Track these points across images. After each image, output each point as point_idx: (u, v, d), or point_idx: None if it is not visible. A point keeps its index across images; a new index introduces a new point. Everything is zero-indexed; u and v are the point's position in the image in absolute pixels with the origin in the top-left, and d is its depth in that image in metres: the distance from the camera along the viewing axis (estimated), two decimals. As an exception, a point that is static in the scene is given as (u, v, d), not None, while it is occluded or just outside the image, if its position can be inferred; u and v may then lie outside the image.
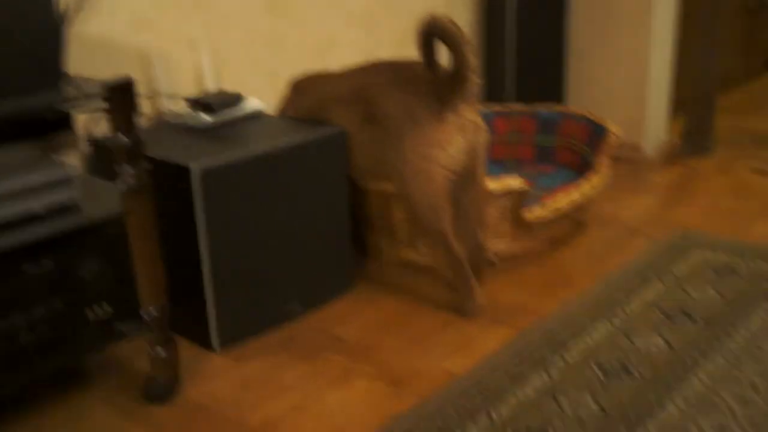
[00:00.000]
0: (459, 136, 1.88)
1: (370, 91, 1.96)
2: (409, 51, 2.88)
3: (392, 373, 1.73)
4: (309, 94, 2.16)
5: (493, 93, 3.14)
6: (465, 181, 1.97)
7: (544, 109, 2.90)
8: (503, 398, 1.61)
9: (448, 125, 1.86)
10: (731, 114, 3.72)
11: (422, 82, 1.89)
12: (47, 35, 1.52)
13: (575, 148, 2.78)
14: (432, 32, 1.80)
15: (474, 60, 1.81)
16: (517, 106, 2.93)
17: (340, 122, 2.04)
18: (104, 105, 1.49)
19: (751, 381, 1.62)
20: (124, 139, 1.50)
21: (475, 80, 1.84)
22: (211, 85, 2.27)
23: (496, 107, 2.91)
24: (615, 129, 2.56)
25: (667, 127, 3.30)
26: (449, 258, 1.96)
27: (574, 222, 2.49)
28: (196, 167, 1.71)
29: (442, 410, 1.58)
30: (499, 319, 1.95)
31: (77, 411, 1.63)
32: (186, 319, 1.81)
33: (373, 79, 1.98)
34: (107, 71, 2.04)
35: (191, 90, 2.27)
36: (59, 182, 1.50)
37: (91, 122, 2.00)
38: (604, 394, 1.61)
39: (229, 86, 2.35)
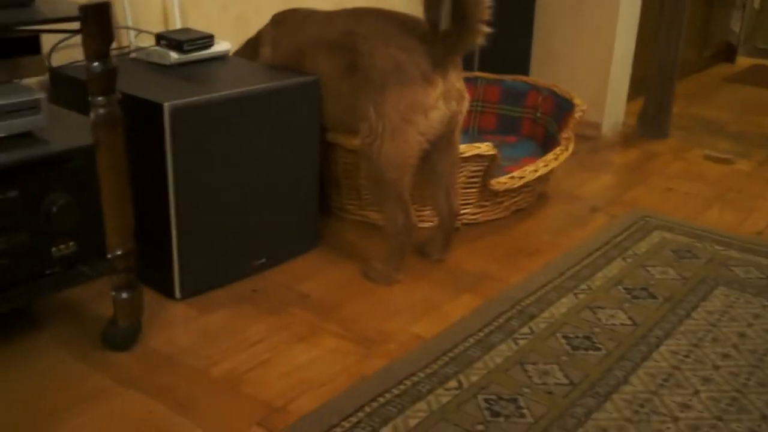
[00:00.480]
0: (443, 103, 1.82)
1: (360, 39, 1.87)
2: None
3: (360, 333, 1.70)
4: (290, 32, 2.05)
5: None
6: (441, 147, 1.92)
7: (509, 79, 2.88)
8: (472, 365, 1.60)
9: (435, 90, 1.80)
10: (685, 101, 3.79)
11: (417, 39, 1.80)
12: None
13: (539, 120, 2.78)
14: None
15: (488, 11, 1.70)
16: (483, 75, 2.90)
17: (320, 67, 1.95)
18: (77, 27, 1.39)
19: (713, 361, 1.65)
20: (97, 66, 1.40)
21: (485, 32, 1.72)
22: (177, 24, 2.16)
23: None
24: (581, 104, 2.57)
25: (626, 109, 3.33)
26: (397, 222, 1.89)
27: (536, 194, 2.49)
28: (168, 104, 1.62)
29: (412, 373, 1.55)
30: (465, 285, 1.94)
31: (30, 353, 1.54)
32: (148, 265, 1.73)
33: (364, 28, 1.88)
34: None
35: (156, 27, 2.15)
36: (26, 107, 1.39)
37: (51, 49, 1.87)
38: (572, 366, 1.61)
39: (195, 27, 2.24)
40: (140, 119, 1.65)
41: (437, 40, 1.78)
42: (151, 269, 1.73)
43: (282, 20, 2.11)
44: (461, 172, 2.16)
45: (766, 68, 4.73)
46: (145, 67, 1.95)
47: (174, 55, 1.96)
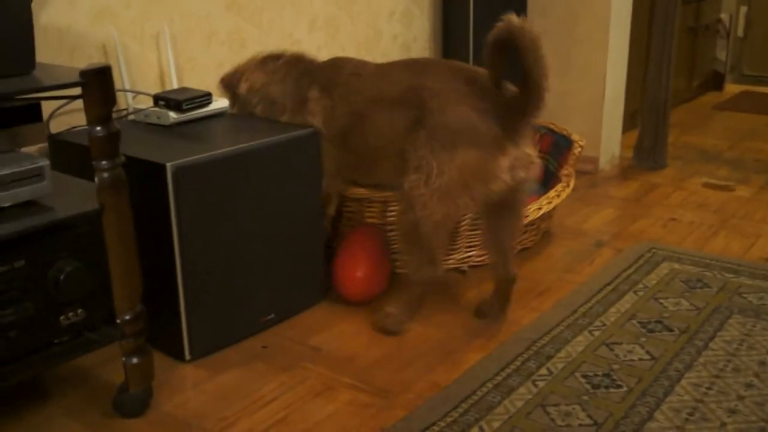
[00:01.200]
0: (508, 173, 1.72)
1: (428, 95, 1.74)
2: (372, 56, 2.84)
3: (375, 384, 1.67)
4: (344, 98, 1.91)
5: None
6: (504, 212, 1.85)
7: (505, 119, 2.88)
8: (493, 411, 1.56)
9: (505, 159, 1.70)
10: (678, 130, 3.81)
11: (490, 101, 1.70)
12: (17, 20, 1.41)
13: (539, 158, 2.78)
14: (508, 39, 1.59)
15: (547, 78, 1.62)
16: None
17: (380, 126, 1.84)
18: (78, 93, 1.38)
19: (737, 392, 1.62)
20: (100, 130, 1.40)
21: (546, 90, 1.65)
22: (173, 83, 2.17)
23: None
24: (579, 139, 2.57)
25: (621, 141, 3.35)
26: (422, 273, 1.82)
27: (541, 232, 2.48)
28: (170, 165, 1.61)
29: (433, 423, 1.52)
30: (477, 330, 1.91)
31: (42, 426, 1.51)
32: (155, 328, 1.70)
33: (432, 83, 1.76)
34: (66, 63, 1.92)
35: (153, 88, 2.16)
36: (30, 175, 1.38)
37: (50, 115, 1.87)
38: (594, 405, 1.58)
39: (191, 85, 2.25)
40: (142, 180, 1.64)
41: (507, 102, 1.70)
42: (158, 331, 1.70)
43: (330, 84, 1.95)
44: (465, 216, 2.15)
45: (755, 94, 4.77)
46: (144, 128, 1.95)
47: (173, 115, 1.96)
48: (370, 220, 2.20)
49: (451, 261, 2.26)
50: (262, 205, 1.81)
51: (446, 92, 1.74)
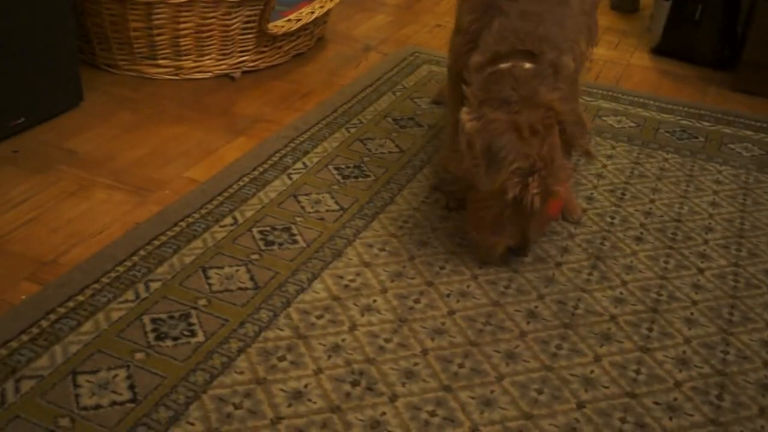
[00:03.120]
0: None
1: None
2: None
3: (132, 183, 1.69)
4: None
5: None
6: None
7: None
8: (247, 202, 1.65)
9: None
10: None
11: None
12: None
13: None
14: None
15: None
16: None
17: None
18: None
19: (469, 176, 1.81)
20: None
21: None
22: None
23: None
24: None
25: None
26: None
27: (315, 38, 2.51)
28: None
29: (187, 215, 1.58)
30: (240, 129, 1.96)
31: None
32: None
33: None
34: None
35: None
36: None
37: None
38: (342, 193, 1.71)
39: None
40: None
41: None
42: None
43: None
44: (236, 17, 2.13)
45: None
46: None
47: None
48: (134, 24, 2.12)
49: (222, 66, 2.25)
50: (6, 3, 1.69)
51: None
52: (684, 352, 1.33)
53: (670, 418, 1.19)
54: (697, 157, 1.97)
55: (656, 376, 1.27)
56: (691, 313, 1.42)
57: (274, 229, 1.57)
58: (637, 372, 1.28)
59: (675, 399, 1.23)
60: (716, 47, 2.55)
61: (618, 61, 2.58)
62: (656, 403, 1.22)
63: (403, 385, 1.22)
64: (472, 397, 1.20)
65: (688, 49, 2.59)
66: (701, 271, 1.54)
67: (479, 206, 1.45)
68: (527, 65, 1.41)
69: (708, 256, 1.58)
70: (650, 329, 1.37)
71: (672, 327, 1.38)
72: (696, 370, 1.29)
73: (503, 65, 1.42)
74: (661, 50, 2.65)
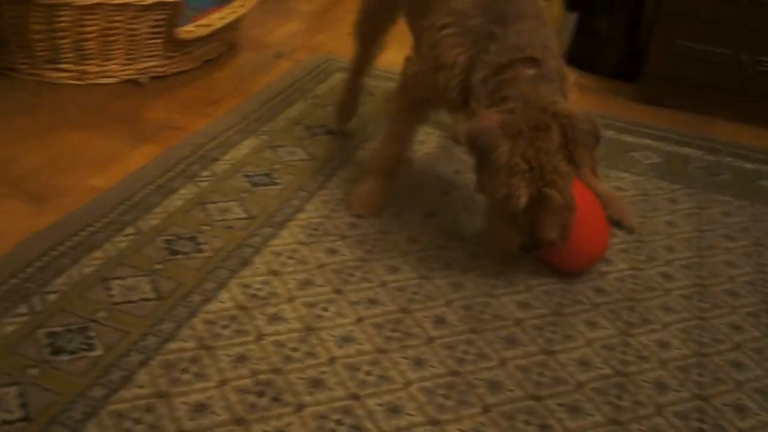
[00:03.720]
0: None
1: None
2: None
3: (30, 191, 1.62)
4: None
5: None
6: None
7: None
8: (152, 210, 1.61)
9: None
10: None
11: None
12: None
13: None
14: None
15: None
16: None
17: None
18: None
19: (380, 183, 1.82)
20: None
21: None
22: None
23: None
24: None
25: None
26: None
27: (226, 44, 2.48)
28: None
29: (88, 224, 1.53)
30: (146, 136, 1.91)
31: None
32: None
33: None
34: None
35: None
36: None
37: None
38: (251, 201, 1.69)
39: None
40: None
41: None
42: None
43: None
44: (143, 21, 2.09)
45: None
46: None
47: None
48: (36, 27, 2.05)
49: (129, 71, 2.19)
50: None
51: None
52: (585, 354, 1.36)
53: (572, 419, 1.22)
54: (600, 164, 2.03)
55: (559, 378, 1.30)
56: (592, 316, 1.46)
57: (180, 237, 1.53)
58: (541, 374, 1.30)
59: (577, 400, 1.26)
60: (620, 59, 2.64)
61: (527, 70, 2.63)
62: (559, 405, 1.24)
63: (310, 394, 1.20)
64: (380, 405, 1.20)
65: (593, 61, 2.67)
66: (602, 274, 1.58)
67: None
68: (530, 71, 1.43)
69: (609, 260, 1.63)
70: (554, 332, 1.40)
71: (574, 329, 1.42)
72: (597, 371, 1.32)
73: (507, 74, 1.44)
74: (568, 61, 2.72)
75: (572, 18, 2.64)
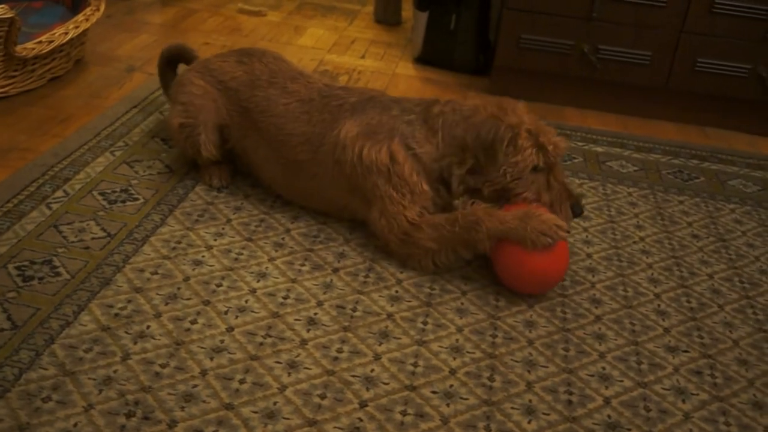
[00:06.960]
0: None
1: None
2: None
3: None
4: None
5: None
6: None
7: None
8: (1, 236, 1.52)
9: None
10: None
11: None
12: None
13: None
14: None
15: None
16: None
17: None
18: None
19: (244, 191, 1.79)
20: None
21: None
22: None
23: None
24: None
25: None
26: None
27: (73, 60, 2.37)
28: None
29: (-72, 257, 1.43)
30: (-10, 160, 1.80)
31: None
32: None
33: None
34: None
35: None
36: None
37: None
38: (108, 219, 1.62)
39: None
40: None
41: None
42: None
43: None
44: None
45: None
46: None
47: None
48: None
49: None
50: None
51: None
52: (457, 340, 1.39)
53: (448, 405, 1.24)
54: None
55: (433, 367, 1.32)
56: (462, 303, 1.50)
57: (33, 263, 1.46)
58: (415, 365, 1.32)
59: (451, 386, 1.28)
60: (471, 55, 2.73)
61: (384, 71, 2.67)
62: (434, 392, 1.27)
63: (182, 409, 1.17)
64: (255, 412, 1.18)
65: (447, 58, 2.74)
66: (469, 263, 1.62)
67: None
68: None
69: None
70: (425, 323, 1.43)
71: (445, 318, 1.45)
72: (468, 356, 1.36)
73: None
74: (423, 59, 2.79)
75: (424, 17, 2.70)
